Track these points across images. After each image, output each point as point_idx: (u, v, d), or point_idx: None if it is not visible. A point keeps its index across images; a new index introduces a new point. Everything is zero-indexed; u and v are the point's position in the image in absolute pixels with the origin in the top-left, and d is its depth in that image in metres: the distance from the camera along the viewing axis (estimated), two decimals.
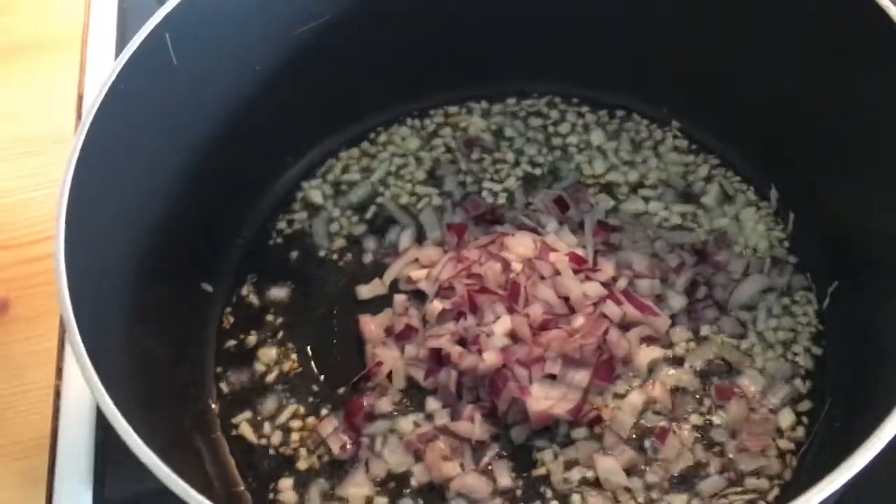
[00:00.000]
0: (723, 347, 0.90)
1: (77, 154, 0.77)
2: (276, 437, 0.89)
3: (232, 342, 0.95)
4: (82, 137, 0.78)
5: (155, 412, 0.80)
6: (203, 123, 0.94)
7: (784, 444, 0.84)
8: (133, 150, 0.85)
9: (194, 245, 0.96)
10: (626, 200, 1.01)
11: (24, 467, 0.90)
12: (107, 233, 0.82)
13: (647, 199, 1.01)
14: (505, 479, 0.84)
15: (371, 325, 0.93)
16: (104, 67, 1.18)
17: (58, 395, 0.95)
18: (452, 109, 1.10)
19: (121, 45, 1.22)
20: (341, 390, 0.91)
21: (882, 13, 0.78)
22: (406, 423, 0.87)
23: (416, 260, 0.97)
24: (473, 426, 0.85)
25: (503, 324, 0.88)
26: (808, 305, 0.92)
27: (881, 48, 0.79)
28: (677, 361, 0.89)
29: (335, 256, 1.00)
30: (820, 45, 0.87)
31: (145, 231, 0.88)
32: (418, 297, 0.95)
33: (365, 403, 0.88)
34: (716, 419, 0.86)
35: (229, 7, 0.90)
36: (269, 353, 0.94)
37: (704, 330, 0.91)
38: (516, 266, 0.92)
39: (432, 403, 0.88)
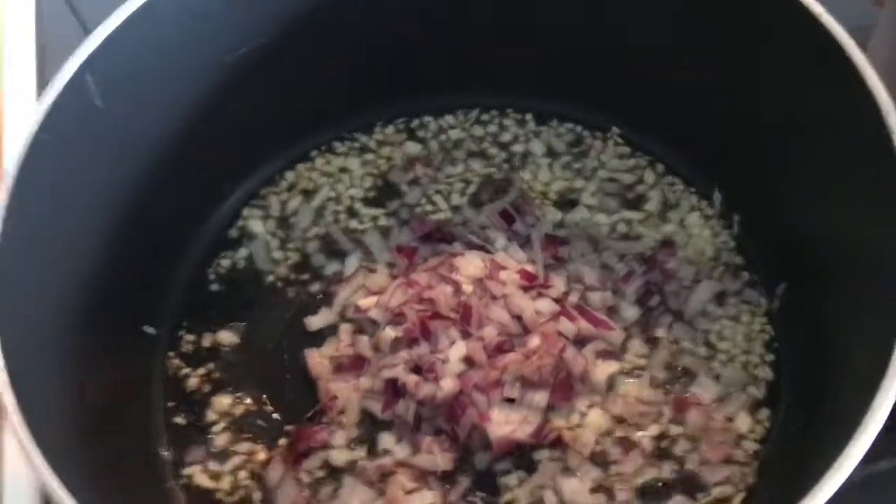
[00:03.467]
0: (679, 356, 0.90)
1: (2, 210, 0.74)
2: (232, 483, 0.86)
3: (179, 386, 0.92)
4: (7, 193, 0.75)
5: (103, 473, 0.78)
6: (135, 162, 0.90)
7: (744, 452, 0.85)
8: (62, 198, 0.82)
9: (133, 287, 0.92)
10: (572, 211, 1.00)
11: None
12: (37, 286, 0.78)
13: (592, 209, 1.00)
14: None
15: (316, 358, 0.91)
16: (24, 112, 1.13)
17: None
18: (391, 127, 1.08)
19: (41, 85, 1.17)
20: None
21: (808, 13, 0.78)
22: (363, 460, 0.86)
23: (364, 287, 0.95)
24: (435, 457, 0.84)
25: (458, 349, 0.87)
26: (758, 308, 0.93)
27: (815, 49, 0.79)
28: (634, 374, 0.89)
29: (280, 287, 0.98)
30: (754, 46, 0.87)
31: (80, 279, 0.84)
32: (366, 324, 0.93)
33: (317, 438, 0.87)
34: (675, 430, 0.86)
35: (154, 40, 0.86)
36: (221, 400, 0.91)
37: (660, 340, 0.91)
38: (467, 288, 0.91)
39: (386, 440, 0.86)
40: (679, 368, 0.90)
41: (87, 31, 0.83)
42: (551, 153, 1.05)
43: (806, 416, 0.83)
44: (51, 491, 0.64)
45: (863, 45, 0.77)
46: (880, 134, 0.71)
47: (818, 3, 0.78)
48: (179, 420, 0.90)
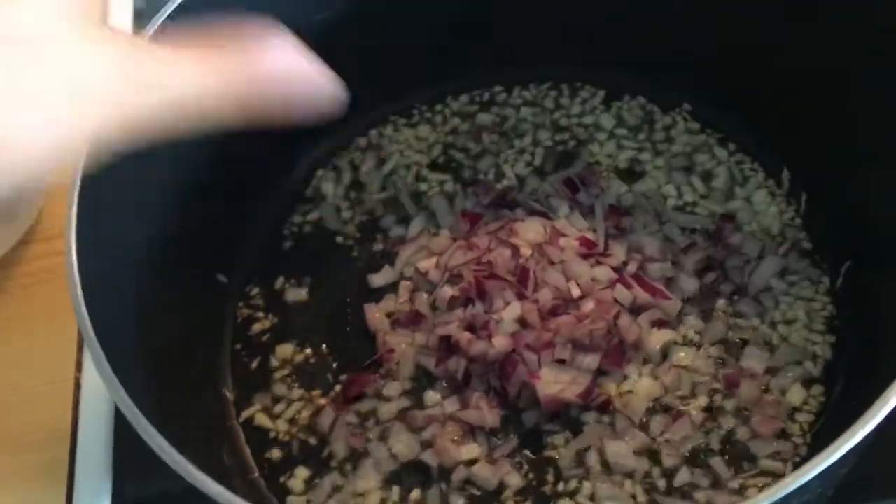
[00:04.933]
0: (735, 329, 0.89)
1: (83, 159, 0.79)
2: (291, 426, 0.90)
3: (247, 333, 0.96)
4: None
5: (171, 403, 0.82)
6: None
7: (796, 426, 0.84)
8: (147, 152, 0.86)
9: (208, 239, 0.96)
10: (637, 183, 1.00)
11: (44, 459, 0.92)
12: (119, 230, 0.83)
13: (658, 182, 1.00)
14: (515, 477, 0.84)
15: (375, 313, 0.94)
16: None
17: (78, 387, 0.97)
18: (463, 97, 1.10)
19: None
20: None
21: None
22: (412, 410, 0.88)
23: (427, 248, 0.98)
24: (483, 413, 0.85)
25: (512, 310, 0.88)
26: (820, 285, 0.91)
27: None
28: (689, 344, 0.89)
29: (348, 246, 1.01)
30: (833, 22, 0.86)
31: (158, 224, 0.89)
32: (426, 283, 0.95)
33: (370, 384, 0.90)
34: (727, 402, 0.85)
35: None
36: (284, 348, 0.94)
37: (717, 312, 0.90)
38: (525, 252, 0.92)
39: (432, 396, 0.88)
40: (735, 341, 0.89)
41: None
42: (621, 126, 1.05)
43: (863, 393, 0.82)
44: (123, 408, 0.68)
45: None
46: None
47: None
48: (244, 364, 0.95)
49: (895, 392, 0.63)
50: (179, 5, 0.86)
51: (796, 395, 0.85)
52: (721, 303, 0.91)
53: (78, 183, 0.77)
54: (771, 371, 0.87)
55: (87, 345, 0.71)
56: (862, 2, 0.85)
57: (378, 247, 1.00)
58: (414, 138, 1.08)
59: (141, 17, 1.26)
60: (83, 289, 0.73)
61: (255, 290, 0.99)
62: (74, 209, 0.76)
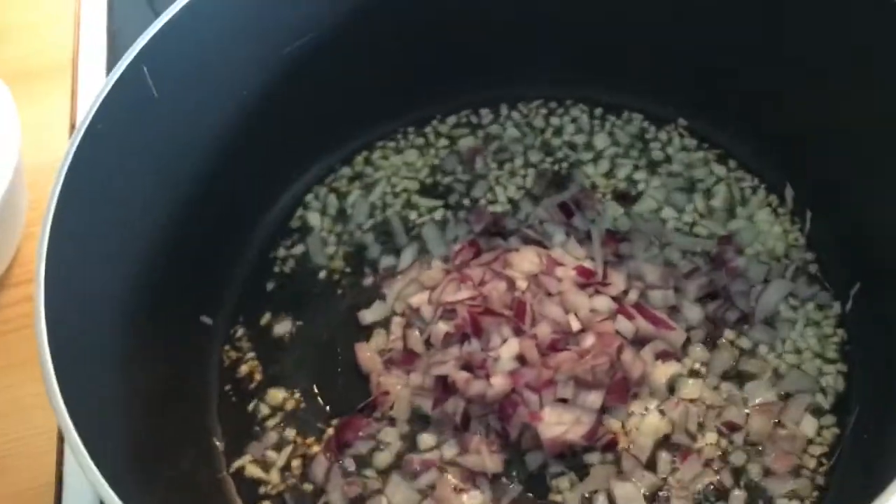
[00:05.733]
0: (743, 359, 0.86)
1: (56, 197, 0.75)
2: (284, 475, 0.86)
3: (234, 377, 0.92)
4: (61, 180, 0.75)
5: (155, 461, 0.78)
6: (192, 153, 0.90)
7: (812, 460, 0.80)
8: (119, 188, 0.82)
9: (191, 278, 0.93)
10: (635, 205, 0.97)
11: None
12: (91, 278, 0.79)
13: (656, 203, 0.97)
14: None
15: (367, 353, 0.90)
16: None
17: (61, 439, 0.93)
18: (451, 119, 1.06)
19: (112, 69, 1.20)
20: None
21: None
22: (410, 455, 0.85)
23: (418, 281, 0.94)
24: (483, 458, 0.82)
25: (510, 347, 0.85)
26: (830, 310, 0.88)
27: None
28: (695, 376, 0.86)
29: (336, 280, 0.97)
30: (828, 40, 0.83)
31: (137, 268, 0.85)
32: (419, 319, 0.91)
33: (365, 430, 0.86)
34: (737, 436, 0.82)
35: (209, 33, 0.86)
36: (274, 393, 0.90)
37: (723, 341, 0.87)
38: (521, 284, 0.89)
39: (426, 439, 0.85)
40: (743, 371, 0.85)
41: (156, 14, 0.83)
42: (615, 146, 1.01)
43: (879, 423, 0.78)
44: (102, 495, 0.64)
45: None
46: None
47: None
48: (233, 410, 0.91)
49: None
50: (154, 37, 0.82)
51: (809, 426, 0.82)
52: (727, 331, 0.87)
53: (46, 234, 0.73)
54: (781, 402, 0.83)
55: (56, 416, 0.66)
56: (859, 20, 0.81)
57: (367, 280, 0.96)
58: (401, 164, 1.04)
59: (114, 38, 1.23)
60: (52, 346, 0.69)
61: (241, 331, 0.95)
62: (43, 253, 0.72)
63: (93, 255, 0.79)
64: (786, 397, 0.84)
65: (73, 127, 1.16)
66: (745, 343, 0.87)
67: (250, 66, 0.92)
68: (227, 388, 0.92)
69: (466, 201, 1.00)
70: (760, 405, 0.83)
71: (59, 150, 1.14)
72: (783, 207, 0.94)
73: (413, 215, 1.00)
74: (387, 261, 0.97)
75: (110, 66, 1.20)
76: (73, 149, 0.76)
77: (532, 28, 0.97)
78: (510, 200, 1.00)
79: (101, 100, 0.78)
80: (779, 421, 0.82)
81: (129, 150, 0.82)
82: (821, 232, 0.92)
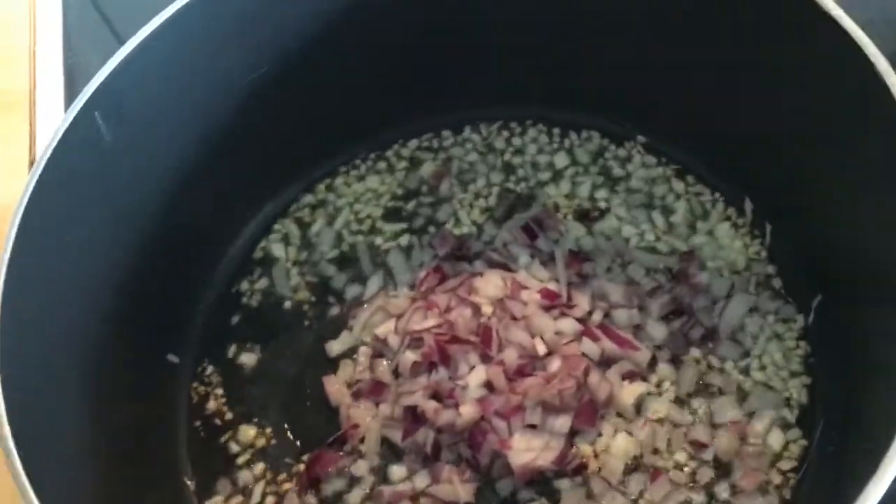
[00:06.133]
0: (709, 375, 0.87)
1: (12, 240, 0.74)
2: None
3: (203, 415, 0.92)
4: (16, 223, 0.75)
5: (126, 498, 0.78)
6: (151, 190, 0.90)
7: (779, 476, 0.81)
8: (76, 230, 0.81)
9: (154, 317, 0.92)
10: (596, 224, 0.97)
11: None
12: (51, 320, 0.78)
13: (617, 220, 0.97)
14: None
15: (335, 385, 0.90)
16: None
17: None
18: (412, 143, 1.06)
19: (70, 104, 1.18)
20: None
21: (837, 27, 0.74)
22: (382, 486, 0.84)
23: (384, 309, 0.94)
24: (455, 487, 0.82)
25: (478, 374, 0.85)
26: (793, 322, 0.89)
27: (842, 61, 0.74)
28: (662, 395, 0.86)
29: (302, 311, 0.97)
30: (782, 54, 0.83)
31: (97, 310, 0.84)
32: (386, 349, 0.91)
33: (335, 464, 0.86)
34: (706, 454, 0.82)
35: (167, 68, 0.85)
36: (244, 431, 0.90)
37: (689, 358, 0.87)
38: (487, 310, 0.89)
39: (397, 471, 0.85)
40: (710, 388, 0.86)
41: (120, 42, 0.83)
42: (574, 165, 1.02)
43: (844, 435, 0.79)
44: None
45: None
46: None
47: (838, 7, 0.73)
48: (203, 448, 0.90)
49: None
50: (108, 77, 0.81)
51: (776, 440, 0.82)
52: (692, 349, 0.88)
53: (3, 273, 0.72)
54: (748, 418, 0.84)
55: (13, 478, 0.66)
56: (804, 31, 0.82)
57: (333, 310, 0.96)
58: (364, 190, 1.04)
59: (72, 72, 1.22)
60: (7, 400, 0.68)
61: (209, 368, 0.95)
62: None
63: (51, 299, 0.79)
64: (752, 413, 0.84)
65: (32, 163, 1.15)
66: (710, 360, 0.87)
67: (208, 100, 0.92)
68: (197, 425, 0.92)
69: (431, 226, 1.00)
70: (727, 422, 0.83)
71: (19, 187, 1.14)
72: (743, 220, 0.95)
73: (378, 241, 1.00)
74: (352, 290, 0.97)
75: (68, 98, 1.19)
76: (28, 193, 0.76)
77: (487, 51, 0.97)
78: (474, 223, 1.00)
79: (55, 142, 0.78)
80: (746, 437, 0.83)
81: (85, 191, 0.81)
82: (781, 244, 0.92)
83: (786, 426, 0.83)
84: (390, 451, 0.86)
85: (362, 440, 0.87)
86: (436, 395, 0.85)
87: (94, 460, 0.79)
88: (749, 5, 0.83)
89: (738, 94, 0.90)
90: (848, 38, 0.73)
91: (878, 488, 0.58)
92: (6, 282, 0.73)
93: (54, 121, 1.17)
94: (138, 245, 0.89)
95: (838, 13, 0.73)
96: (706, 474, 0.81)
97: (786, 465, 0.81)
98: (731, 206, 0.96)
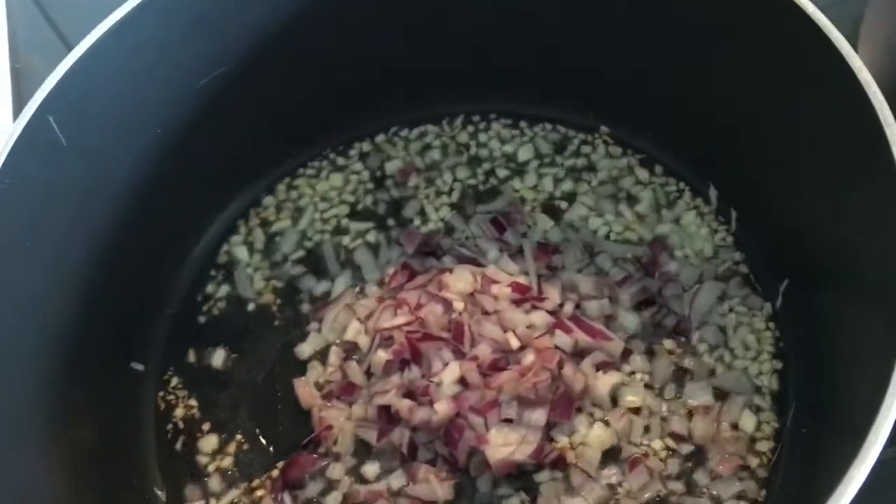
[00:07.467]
0: (682, 362, 0.87)
1: None
2: None
3: (172, 423, 0.90)
4: None
5: None
6: (108, 196, 0.87)
7: (755, 459, 0.81)
8: (31, 238, 0.79)
9: (116, 325, 0.90)
10: (564, 216, 0.97)
11: None
12: (7, 329, 0.76)
13: (584, 211, 0.97)
14: None
15: (305, 388, 0.88)
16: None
17: None
18: (377, 139, 1.05)
19: (19, 110, 1.15)
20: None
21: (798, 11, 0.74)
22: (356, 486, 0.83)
23: (352, 308, 0.93)
24: (433, 486, 0.81)
25: (451, 371, 0.84)
26: (762, 308, 0.89)
27: (809, 49, 0.75)
28: (637, 384, 0.86)
29: (269, 314, 0.95)
30: (745, 42, 0.84)
31: (55, 321, 0.82)
32: (356, 350, 0.90)
33: (310, 467, 0.84)
34: (682, 442, 0.82)
35: (118, 71, 0.83)
36: (211, 439, 0.88)
37: (662, 347, 0.87)
38: (458, 305, 0.88)
39: (371, 469, 0.84)
40: (683, 376, 0.86)
41: (68, 47, 0.80)
42: (539, 157, 1.01)
43: (816, 417, 0.80)
44: None
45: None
46: (873, 129, 0.67)
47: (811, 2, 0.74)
48: (174, 458, 0.88)
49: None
50: (68, 72, 0.79)
51: (748, 423, 0.83)
52: (664, 335, 0.88)
53: None
54: (721, 403, 0.84)
55: None
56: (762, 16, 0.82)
57: (301, 311, 0.95)
58: (328, 188, 1.02)
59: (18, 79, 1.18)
60: None
61: (175, 375, 0.92)
62: None
63: (6, 308, 0.76)
64: (725, 398, 0.84)
65: None
66: (683, 347, 0.87)
67: (166, 101, 0.90)
68: (166, 433, 0.89)
69: (398, 223, 0.99)
70: (701, 408, 0.84)
71: None
72: (709, 208, 0.95)
73: (345, 240, 0.99)
74: (320, 289, 0.96)
75: (18, 106, 1.16)
76: None
77: (449, 46, 0.96)
78: (441, 219, 0.99)
79: (8, 148, 0.75)
80: (720, 423, 0.83)
81: (40, 200, 0.79)
82: (747, 231, 0.93)
83: (758, 409, 0.84)
84: (365, 452, 0.85)
85: (336, 442, 0.85)
86: (409, 394, 0.84)
87: (58, 473, 0.77)
88: None
89: (698, 83, 0.90)
90: (808, 20, 0.73)
91: (859, 472, 0.58)
92: None
93: (4, 126, 1.14)
94: (98, 250, 0.86)
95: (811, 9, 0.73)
96: (684, 462, 0.82)
97: (763, 445, 0.82)
98: (697, 195, 0.97)
